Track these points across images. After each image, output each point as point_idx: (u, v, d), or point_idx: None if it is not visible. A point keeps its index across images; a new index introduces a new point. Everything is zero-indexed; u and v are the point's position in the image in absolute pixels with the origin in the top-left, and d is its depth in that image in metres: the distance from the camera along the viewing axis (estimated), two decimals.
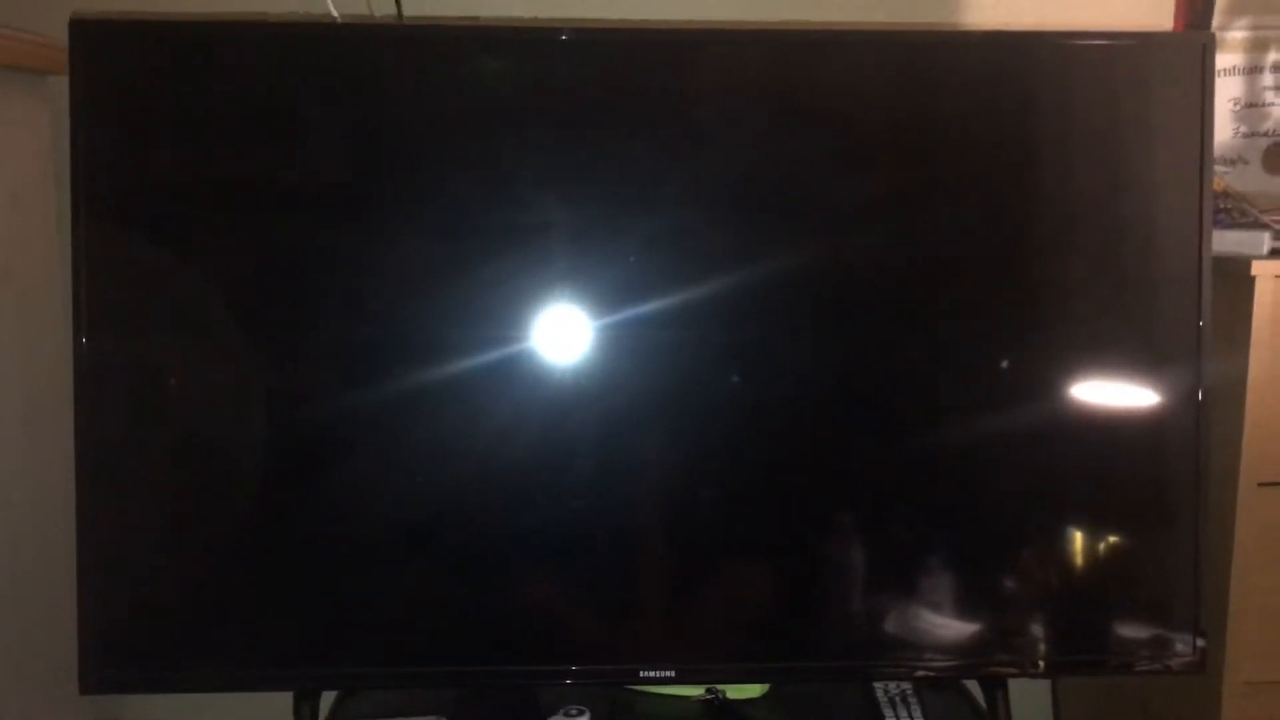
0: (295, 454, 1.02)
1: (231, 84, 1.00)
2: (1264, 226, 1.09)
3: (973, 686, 1.17)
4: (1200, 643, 1.04)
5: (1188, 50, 1.01)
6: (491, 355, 1.00)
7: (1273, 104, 1.30)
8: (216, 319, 1.00)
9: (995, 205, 1.03)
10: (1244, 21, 1.28)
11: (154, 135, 0.99)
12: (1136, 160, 1.03)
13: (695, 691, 1.14)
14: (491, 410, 1.02)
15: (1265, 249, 1.07)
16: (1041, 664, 1.07)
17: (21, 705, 1.17)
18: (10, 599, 1.15)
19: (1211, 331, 1.02)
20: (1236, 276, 1.05)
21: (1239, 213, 1.12)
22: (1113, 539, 1.05)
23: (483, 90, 1.00)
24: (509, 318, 1.00)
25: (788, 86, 1.03)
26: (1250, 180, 1.28)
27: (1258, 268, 1.04)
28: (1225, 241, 1.07)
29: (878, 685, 1.16)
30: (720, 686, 1.13)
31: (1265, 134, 1.30)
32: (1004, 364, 1.03)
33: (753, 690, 1.15)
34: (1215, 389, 1.03)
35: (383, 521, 1.03)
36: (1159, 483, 1.05)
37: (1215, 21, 1.26)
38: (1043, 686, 1.45)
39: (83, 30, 0.96)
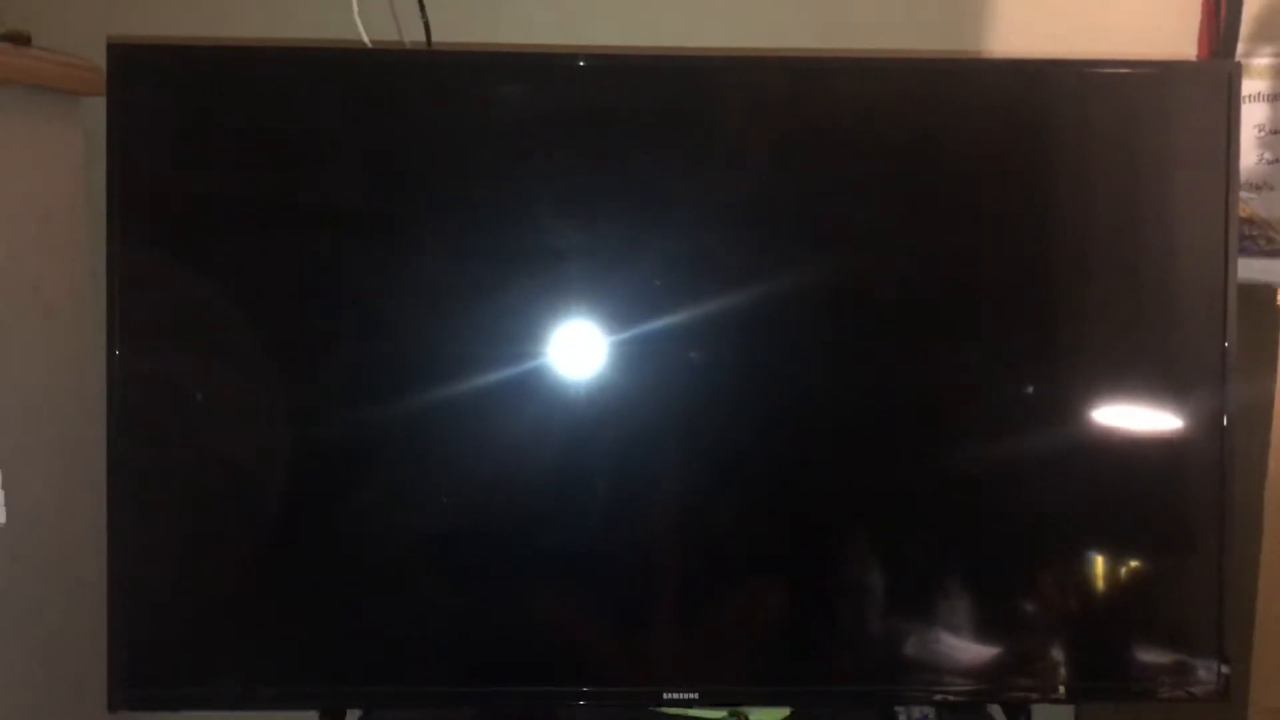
0: (324, 473, 1.03)
1: (264, 108, 1.01)
2: None
3: (994, 710, 1.16)
4: (1224, 669, 1.04)
5: (1213, 79, 1.02)
6: (515, 377, 1.01)
7: None
8: (247, 338, 1.01)
9: (1022, 233, 1.04)
10: (1270, 48, 1.28)
11: (188, 157, 1.01)
12: (1162, 188, 1.03)
13: (718, 714, 1.14)
14: (514, 431, 1.02)
15: None
16: (1063, 689, 1.06)
17: None
18: (38, 616, 1.15)
19: (1236, 359, 1.02)
20: (1262, 304, 1.05)
21: (1265, 240, 1.12)
22: (1136, 564, 1.05)
23: (506, 115, 1.01)
24: (532, 339, 1.01)
25: (807, 114, 1.04)
26: (1276, 206, 1.26)
27: None
28: (1251, 269, 1.06)
29: (899, 709, 1.16)
30: (743, 709, 1.13)
31: None
32: (1029, 389, 1.03)
33: (775, 714, 1.15)
34: (1240, 416, 1.03)
35: (406, 541, 1.04)
36: (1183, 508, 1.05)
37: (1240, 48, 1.25)
38: (1065, 709, 1.44)
39: (120, 55, 0.98)
